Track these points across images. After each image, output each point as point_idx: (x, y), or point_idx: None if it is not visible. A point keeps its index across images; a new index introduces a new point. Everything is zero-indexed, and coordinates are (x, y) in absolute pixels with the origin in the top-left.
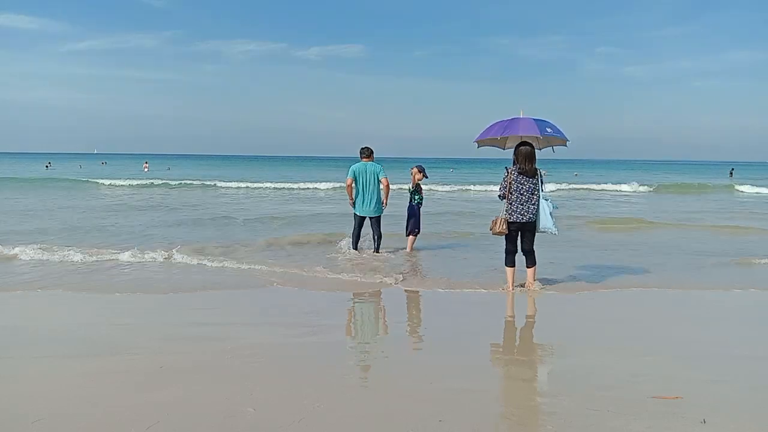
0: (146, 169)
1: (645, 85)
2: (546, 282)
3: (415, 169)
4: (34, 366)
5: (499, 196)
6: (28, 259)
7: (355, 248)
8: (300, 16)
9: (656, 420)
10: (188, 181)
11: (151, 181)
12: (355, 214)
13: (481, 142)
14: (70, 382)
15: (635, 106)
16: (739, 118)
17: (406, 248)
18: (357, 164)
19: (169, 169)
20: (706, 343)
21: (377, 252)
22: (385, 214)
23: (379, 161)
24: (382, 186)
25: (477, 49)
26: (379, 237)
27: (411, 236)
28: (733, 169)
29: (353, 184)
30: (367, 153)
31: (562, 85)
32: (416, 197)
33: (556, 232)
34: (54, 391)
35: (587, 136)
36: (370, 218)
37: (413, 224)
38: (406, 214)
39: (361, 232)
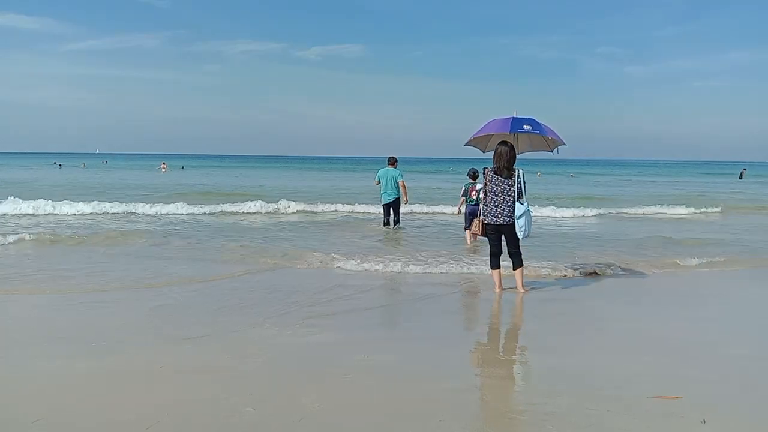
0: (164, 170)
1: (645, 85)
2: (544, 281)
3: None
4: (34, 366)
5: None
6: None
7: (386, 225)
8: (300, 16)
9: (656, 420)
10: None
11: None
12: (382, 203)
13: (473, 142)
14: (70, 382)
15: (636, 106)
16: (743, 118)
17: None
18: (382, 169)
19: (183, 168)
20: (706, 343)
21: (394, 227)
22: None
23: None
24: (400, 186)
25: (477, 49)
26: (396, 221)
27: (467, 231)
28: (744, 169)
29: (380, 183)
30: (391, 161)
31: (562, 85)
32: (470, 199)
33: (521, 236)
34: (54, 391)
35: (587, 136)
36: (390, 205)
37: (468, 221)
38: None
39: (389, 213)
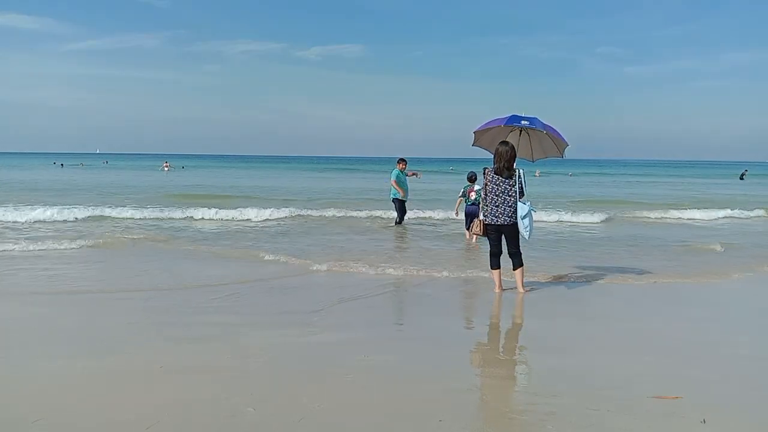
0: (167, 169)
1: (645, 85)
2: (544, 281)
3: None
4: (34, 366)
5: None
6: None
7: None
8: (300, 16)
9: (656, 420)
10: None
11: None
12: None
13: (478, 142)
14: (70, 382)
15: (636, 106)
16: (743, 119)
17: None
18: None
19: (183, 167)
20: (706, 343)
21: (398, 224)
22: None
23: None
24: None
25: (477, 49)
26: (400, 219)
27: (467, 231)
28: (746, 170)
29: None
30: (398, 161)
31: (562, 85)
32: (468, 200)
33: (527, 237)
34: (54, 391)
35: (587, 135)
36: (394, 202)
37: (468, 221)
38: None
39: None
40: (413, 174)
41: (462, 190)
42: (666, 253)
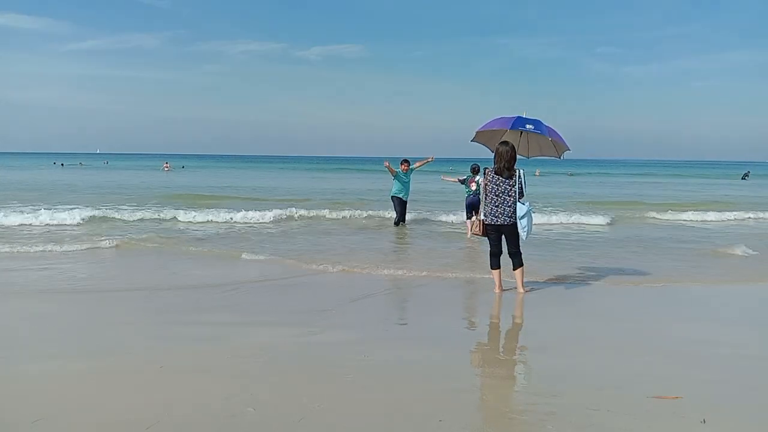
0: (167, 169)
1: (645, 85)
2: (545, 281)
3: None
4: (34, 366)
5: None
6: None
7: (400, 221)
8: (300, 16)
9: (656, 420)
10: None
11: None
12: None
13: (479, 138)
14: (70, 382)
15: (636, 106)
16: (743, 119)
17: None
18: None
19: (183, 167)
20: (706, 343)
21: (396, 224)
22: None
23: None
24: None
25: (477, 49)
26: (401, 219)
27: (467, 221)
28: (749, 171)
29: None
30: (401, 162)
31: (562, 85)
32: (466, 190)
33: (524, 237)
34: (54, 391)
35: (587, 136)
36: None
37: (468, 211)
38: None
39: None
40: (425, 162)
41: (464, 178)
42: (668, 254)
